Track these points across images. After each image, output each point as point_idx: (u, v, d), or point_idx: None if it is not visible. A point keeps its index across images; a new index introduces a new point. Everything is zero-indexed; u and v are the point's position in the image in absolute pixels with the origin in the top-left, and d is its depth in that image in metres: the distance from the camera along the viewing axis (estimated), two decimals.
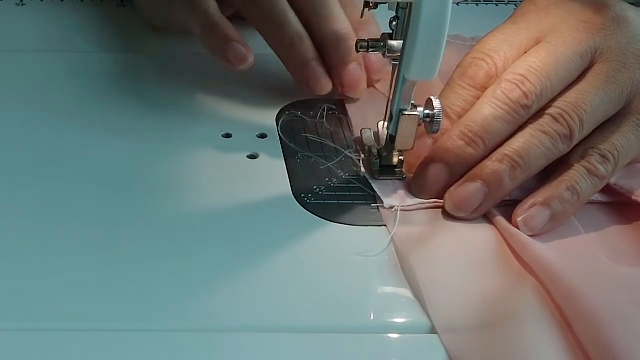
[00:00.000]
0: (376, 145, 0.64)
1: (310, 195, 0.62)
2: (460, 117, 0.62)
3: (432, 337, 0.53)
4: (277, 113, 0.70)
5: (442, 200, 0.61)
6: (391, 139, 0.62)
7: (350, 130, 0.68)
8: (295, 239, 0.59)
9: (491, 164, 0.59)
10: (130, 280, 0.55)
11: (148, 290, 0.54)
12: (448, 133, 0.61)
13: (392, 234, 0.58)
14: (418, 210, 0.60)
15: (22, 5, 0.83)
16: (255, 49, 0.79)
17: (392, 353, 0.53)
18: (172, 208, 0.61)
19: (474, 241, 0.58)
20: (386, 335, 0.53)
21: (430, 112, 0.60)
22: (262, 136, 0.68)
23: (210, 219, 0.60)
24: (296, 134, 0.68)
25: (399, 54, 0.59)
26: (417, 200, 0.61)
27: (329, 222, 0.60)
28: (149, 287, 0.54)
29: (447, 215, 0.60)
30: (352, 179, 0.63)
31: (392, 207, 0.60)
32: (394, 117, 0.61)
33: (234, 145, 0.67)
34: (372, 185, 0.62)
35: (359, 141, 0.66)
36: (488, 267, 0.56)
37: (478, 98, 0.61)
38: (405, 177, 0.63)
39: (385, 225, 0.60)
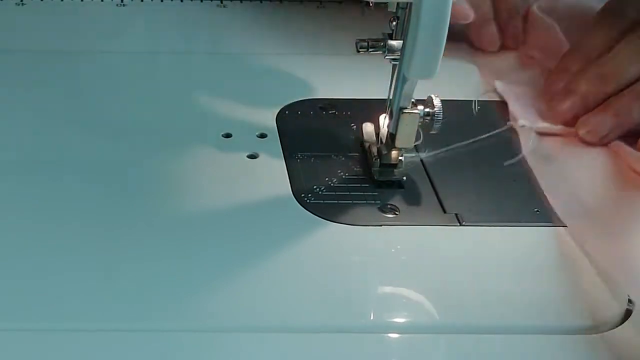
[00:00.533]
0: (376, 143, 0.64)
1: (310, 195, 0.62)
2: (594, 58, 0.69)
3: (432, 337, 0.53)
4: (277, 113, 0.70)
5: (571, 128, 0.67)
6: (391, 137, 0.62)
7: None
8: (295, 239, 0.58)
9: (624, 98, 0.66)
10: (130, 280, 0.55)
11: (148, 290, 0.54)
12: (585, 69, 0.68)
13: (524, 152, 0.65)
14: (547, 136, 0.68)
15: (22, 5, 0.83)
16: (256, 48, 0.79)
17: (392, 353, 0.53)
18: (172, 208, 0.61)
19: (600, 163, 0.65)
20: (386, 335, 0.53)
21: (431, 111, 0.60)
22: (262, 136, 0.68)
23: (210, 219, 0.60)
24: (296, 134, 0.68)
25: (399, 54, 0.59)
26: (548, 124, 0.68)
27: (329, 222, 0.60)
28: (149, 287, 0.54)
29: (575, 143, 0.67)
30: (352, 178, 0.64)
31: (523, 126, 0.67)
32: (394, 116, 0.61)
33: (234, 145, 0.67)
34: (509, 103, 0.69)
35: (359, 141, 0.66)
36: (619, 184, 0.63)
37: (616, 41, 0.68)
38: (405, 179, 0.63)
39: (383, 225, 0.60)
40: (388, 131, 0.62)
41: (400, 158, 0.63)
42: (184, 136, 0.67)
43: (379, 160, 0.63)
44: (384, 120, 0.63)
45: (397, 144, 0.61)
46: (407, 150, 0.63)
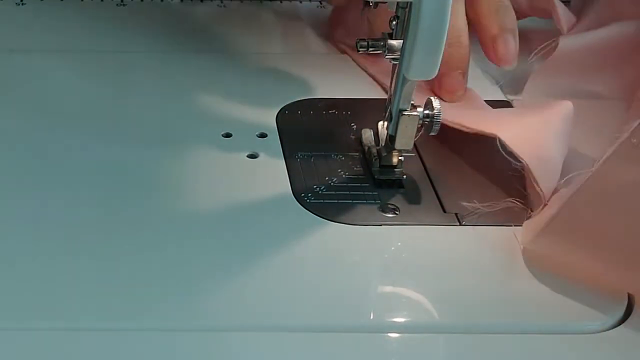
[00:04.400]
0: (375, 145, 0.64)
1: (310, 195, 0.62)
2: None
3: (432, 337, 0.53)
4: (277, 113, 0.70)
5: None
6: (391, 139, 0.62)
7: None
8: (295, 239, 0.58)
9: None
10: (130, 280, 0.55)
11: (147, 290, 0.54)
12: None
13: None
14: None
15: (22, 5, 0.83)
16: (256, 48, 0.79)
17: (392, 353, 0.53)
18: (172, 208, 0.61)
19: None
20: (386, 335, 0.53)
21: (430, 113, 0.60)
22: (262, 136, 0.68)
23: (210, 219, 0.60)
24: (296, 133, 0.68)
25: (399, 54, 0.59)
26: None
27: (329, 221, 0.60)
28: (148, 287, 0.54)
29: None
30: (352, 178, 0.64)
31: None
32: (394, 118, 0.61)
33: (234, 145, 0.67)
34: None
35: (359, 141, 0.66)
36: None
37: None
38: (405, 178, 0.63)
39: (383, 225, 0.60)
40: (387, 133, 0.62)
41: (400, 158, 0.63)
42: (184, 136, 0.67)
43: (378, 161, 0.63)
44: (382, 125, 0.63)
45: (397, 146, 0.61)
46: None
